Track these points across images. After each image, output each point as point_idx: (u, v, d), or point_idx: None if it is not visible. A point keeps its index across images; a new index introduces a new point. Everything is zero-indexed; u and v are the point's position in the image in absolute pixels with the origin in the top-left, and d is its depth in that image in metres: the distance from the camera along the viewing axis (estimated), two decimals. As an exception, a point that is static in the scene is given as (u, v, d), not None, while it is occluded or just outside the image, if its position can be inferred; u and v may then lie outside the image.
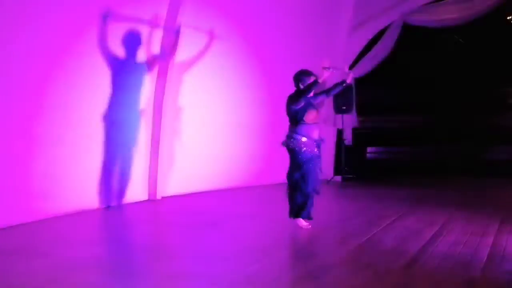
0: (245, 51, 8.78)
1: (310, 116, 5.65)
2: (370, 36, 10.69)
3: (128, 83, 6.99)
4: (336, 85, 5.92)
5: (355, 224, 5.97)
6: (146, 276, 4.00)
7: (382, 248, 5.02)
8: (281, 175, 9.25)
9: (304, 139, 5.59)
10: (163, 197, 7.55)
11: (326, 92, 5.99)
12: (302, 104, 5.57)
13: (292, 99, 5.64)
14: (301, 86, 5.69)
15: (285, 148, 5.71)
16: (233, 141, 8.76)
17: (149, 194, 7.45)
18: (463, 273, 4.16)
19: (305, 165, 5.58)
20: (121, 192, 6.98)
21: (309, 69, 5.81)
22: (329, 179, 10.06)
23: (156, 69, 7.40)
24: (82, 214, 6.23)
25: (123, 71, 6.84)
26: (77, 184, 6.34)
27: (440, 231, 5.64)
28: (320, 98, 5.92)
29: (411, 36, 10.53)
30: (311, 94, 5.66)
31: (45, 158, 5.88)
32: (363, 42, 10.69)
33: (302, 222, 5.64)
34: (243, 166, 8.86)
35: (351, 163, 10.54)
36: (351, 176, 10.48)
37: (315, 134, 5.68)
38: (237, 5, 8.47)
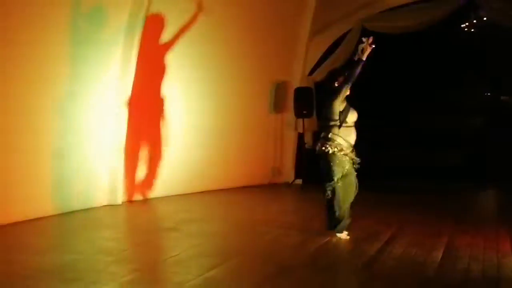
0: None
1: (351, 117, 5.37)
2: (330, 41, 10.89)
3: (89, 76, 6.70)
4: (353, 67, 5.32)
5: (315, 227, 6.04)
6: (107, 282, 3.99)
7: (340, 250, 5.15)
8: (244, 179, 9.40)
9: (342, 141, 5.31)
10: (124, 202, 7.48)
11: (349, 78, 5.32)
12: (343, 91, 5.23)
13: (334, 92, 5.29)
14: (337, 84, 5.39)
15: (319, 153, 5.37)
16: (200, 145, 8.70)
17: (111, 199, 7.32)
18: (418, 273, 4.32)
19: (344, 177, 5.36)
20: (83, 197, 6.86)
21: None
22: (290, 182, 10.17)
23: (120, 58, 7.05)
24: (42, 220, 6.12)
25: (82, 59, 6.51)
26: (37, 189, 6.21)
27: (397, 233, 5.81)
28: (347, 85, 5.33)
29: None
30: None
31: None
32: (324, 47, 10.88)
33: (342, 235, 5.45)
34: (208, 171, 8.82)
35: (312, 166, 10.63)
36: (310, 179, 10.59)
37: (353, 138, 5.41)
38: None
